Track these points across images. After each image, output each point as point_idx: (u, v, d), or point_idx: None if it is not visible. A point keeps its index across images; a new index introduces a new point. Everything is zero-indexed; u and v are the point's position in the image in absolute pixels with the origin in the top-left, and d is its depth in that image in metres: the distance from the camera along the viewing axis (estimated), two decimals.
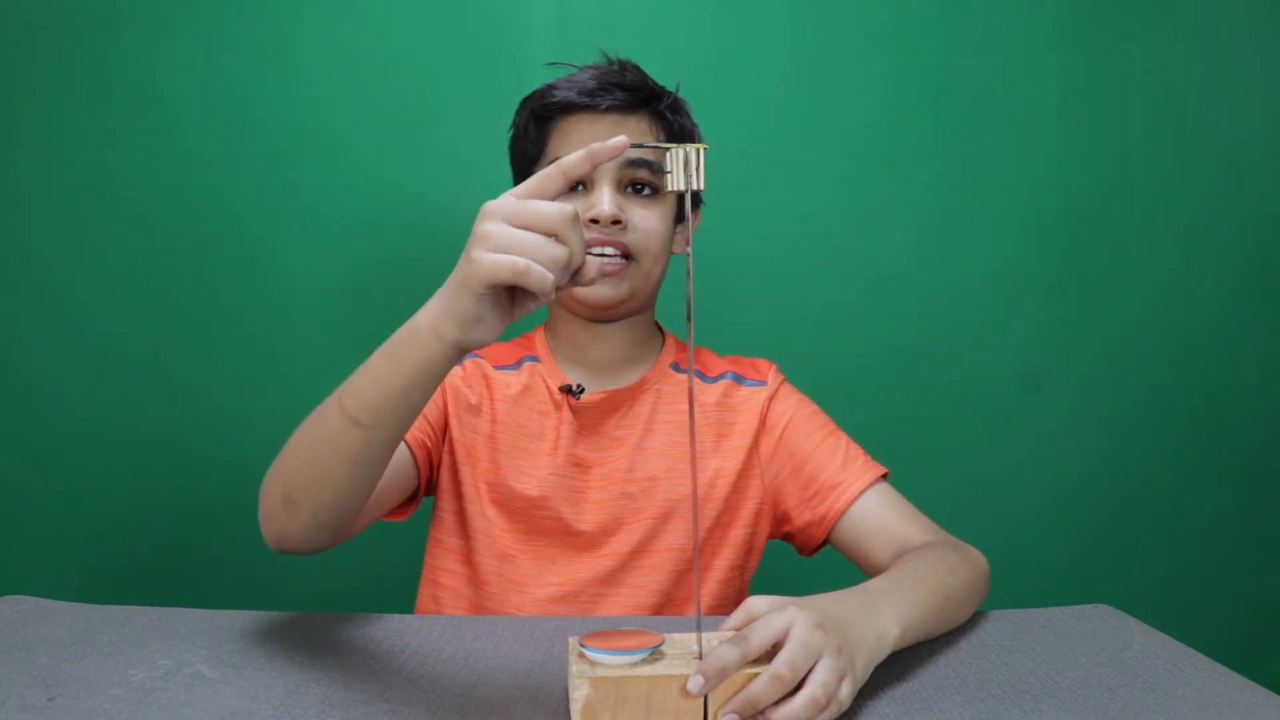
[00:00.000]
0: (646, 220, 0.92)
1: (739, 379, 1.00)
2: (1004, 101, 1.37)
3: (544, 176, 0.59)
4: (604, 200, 0.89)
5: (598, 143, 0.58)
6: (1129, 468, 1.42)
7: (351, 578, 1.31)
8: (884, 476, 0.92)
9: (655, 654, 0.58)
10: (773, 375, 1.00)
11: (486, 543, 0.94)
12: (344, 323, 1.33)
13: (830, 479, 0.91)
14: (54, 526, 1.34)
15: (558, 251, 0.56)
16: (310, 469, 0.70)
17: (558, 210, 0.57)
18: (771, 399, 0.98)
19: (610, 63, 0.96)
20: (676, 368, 1.01)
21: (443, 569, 0.97)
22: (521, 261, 0.55)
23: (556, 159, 0.90)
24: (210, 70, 1.30)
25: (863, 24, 1.35)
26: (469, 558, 0.95)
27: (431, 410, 0.94)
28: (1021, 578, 1.16)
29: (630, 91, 0.93)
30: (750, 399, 0.98)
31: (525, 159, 0.98)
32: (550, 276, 0.55)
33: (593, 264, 0.59)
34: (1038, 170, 1.38)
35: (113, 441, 1.33)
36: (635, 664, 0.56)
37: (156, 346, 1.33)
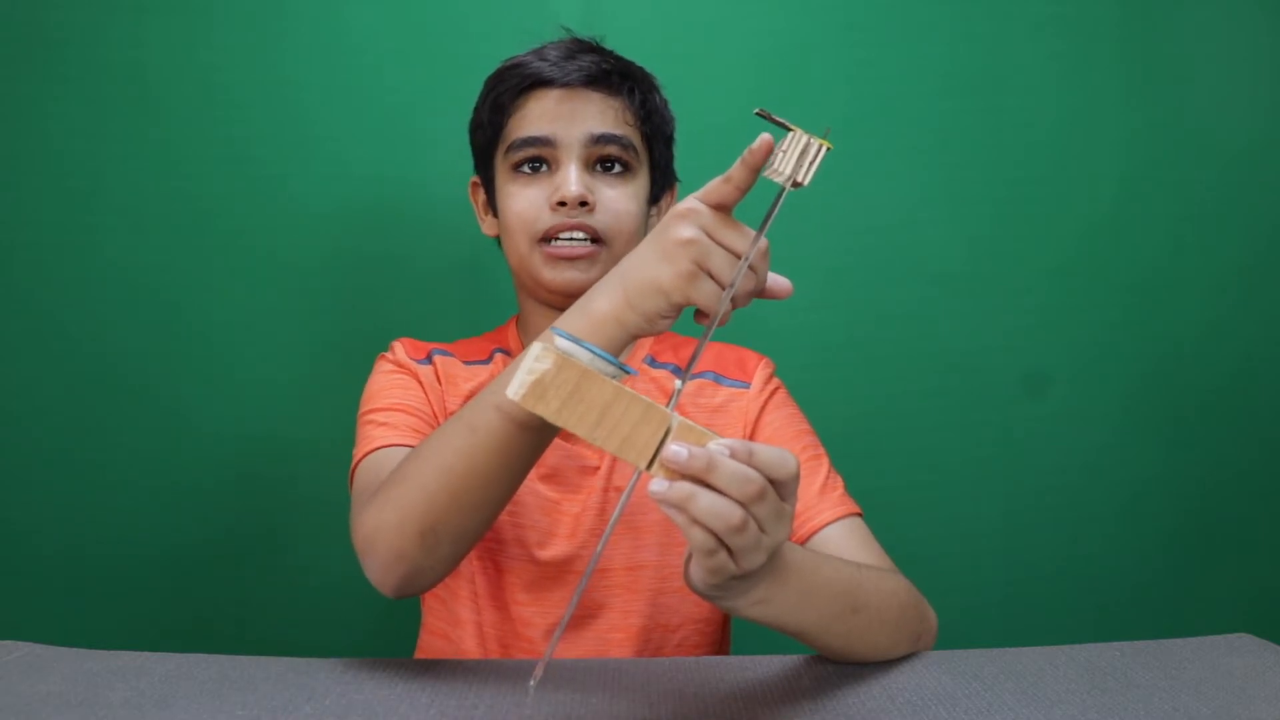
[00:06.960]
0: (617, 201, 0.84)
1: (718, 379, 0.89)
2: (1006, 95, 1.27)
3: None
4: (570, 180, 0.82)
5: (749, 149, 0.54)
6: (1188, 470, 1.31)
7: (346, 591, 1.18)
8: (858, 515, 0.82)
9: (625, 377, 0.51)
10: (760, 376, 0.90)
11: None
12: (338, 325, 1.16)
13: (802, 505, 0.81)
14: (31, 558, 1.18)
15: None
16: (464, 492, 0.64)
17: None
18: (762, 411, 0.88)
19: (576, 39, 0.89)
20: (652, 362, 0.90)
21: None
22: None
23: (519, 140, 0.85)
24: (192, 62, 1.18)
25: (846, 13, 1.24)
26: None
27: (427, 409, 0.85)
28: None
29: (601, 55, 0.86)
30: (731, 403, 0.88)
31: (485, 141, 0.89)
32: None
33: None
34: (1044, 167, 1.27)
35: (94, 455, 1.18)
36: (609, 371, 0.49)
37: (140, 351, 1.18)
